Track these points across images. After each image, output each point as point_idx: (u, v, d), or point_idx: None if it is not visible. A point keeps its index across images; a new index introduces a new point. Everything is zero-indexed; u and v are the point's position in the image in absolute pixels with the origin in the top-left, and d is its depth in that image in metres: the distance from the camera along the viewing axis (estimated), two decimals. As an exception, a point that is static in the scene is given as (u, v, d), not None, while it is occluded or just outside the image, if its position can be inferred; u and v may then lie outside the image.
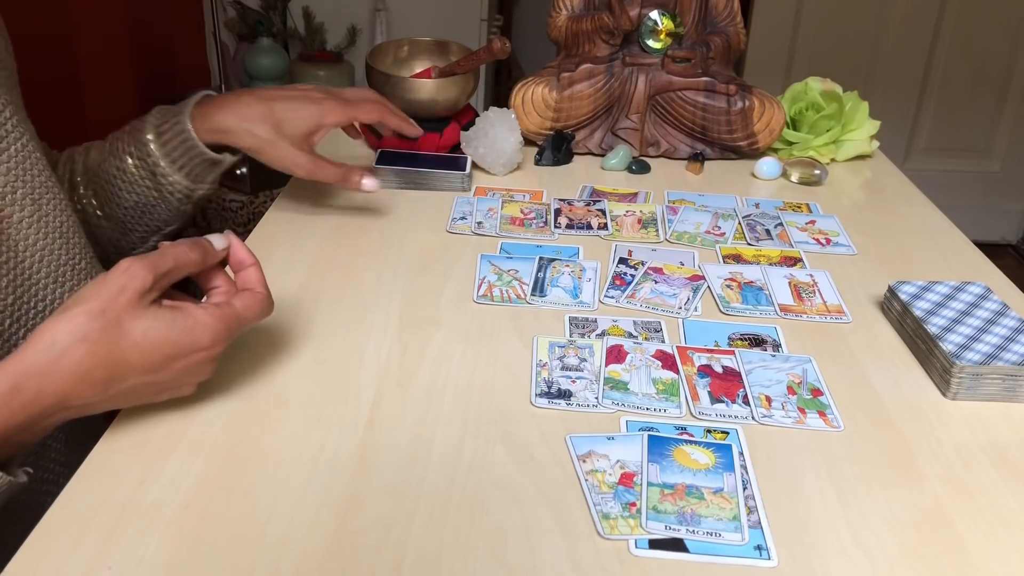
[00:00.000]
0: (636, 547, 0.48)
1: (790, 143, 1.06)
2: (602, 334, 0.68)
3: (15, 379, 0.47)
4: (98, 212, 0.78)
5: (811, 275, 0.78)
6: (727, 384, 0.62)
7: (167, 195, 0.76)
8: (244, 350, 0.65)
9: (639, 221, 0.88)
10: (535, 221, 0.87)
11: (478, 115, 1.00)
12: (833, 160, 1.06)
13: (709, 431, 0.57)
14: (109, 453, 0.54)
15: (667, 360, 0.65)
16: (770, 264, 0.80)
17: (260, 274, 0.57)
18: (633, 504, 0.51)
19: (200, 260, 0.55)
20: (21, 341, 0.60)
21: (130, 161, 0.75)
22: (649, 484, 0.52)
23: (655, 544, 0.48)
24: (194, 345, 0.52)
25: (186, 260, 0.54)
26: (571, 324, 0.69)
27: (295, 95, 0.76)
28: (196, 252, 0.54)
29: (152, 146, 0.74)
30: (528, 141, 1.02)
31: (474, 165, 0.97)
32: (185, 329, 0.51)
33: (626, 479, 0.53)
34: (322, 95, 0.77)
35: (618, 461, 0.54)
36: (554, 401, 0.60)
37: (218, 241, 0.56)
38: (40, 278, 0.62)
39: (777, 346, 0.68)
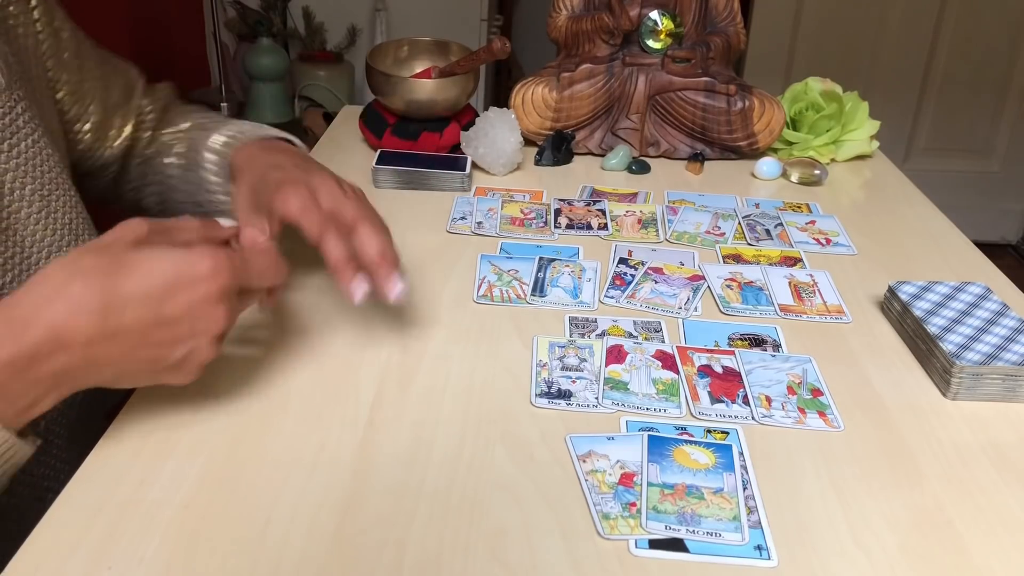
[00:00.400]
0: (636, 547, 0.48)
1: (790, 143, 1.06)
2: (602, 334, 0.68)
3: (5, 314, 0.45)
4: (177, 162, 0.77)
5: (811, 275, 0.78)
6: (727, 384, 0.62)
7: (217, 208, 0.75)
8: (244, 349, 0.65)
9: (639, 221, 0.88)
10: (535, 221, 0.87)
11: (478, 115, 1.00)
12: (833, 160, 1.06)
13: (709, 431, 0.57)
14: (109, 452, 0.54)
15: (667, 360, 0.65)
16: (770, 264, 0.80)
17: (272, 244, 0.56)
18: (633, 504, 0.51)
19: (199, 226, 0.53)
20: None
21: (192, 169, 0.74)
22: (649, 484, 0.52)
23: (655, 544, 0.48)
24: (194, 272, 0.48)
25: (186, 224, 0.53)
26: (571, 324, 0.69)
27: (302, 176, 0.63)
28: (197, 220, 0.53)
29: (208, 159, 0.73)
30: (528, 141, 1.02)
31: (474, 165, 0.97)
32: (182, 255, 0.48)
33: (626, 479, 0.53)
34: (319, 185, 0.62)
35: (618, 461, 0.54)
36: (554, 401, 0.60)
37: (224, 220, 0.56)
38: None
39: (777, 346, 0.68)
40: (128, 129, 0.78)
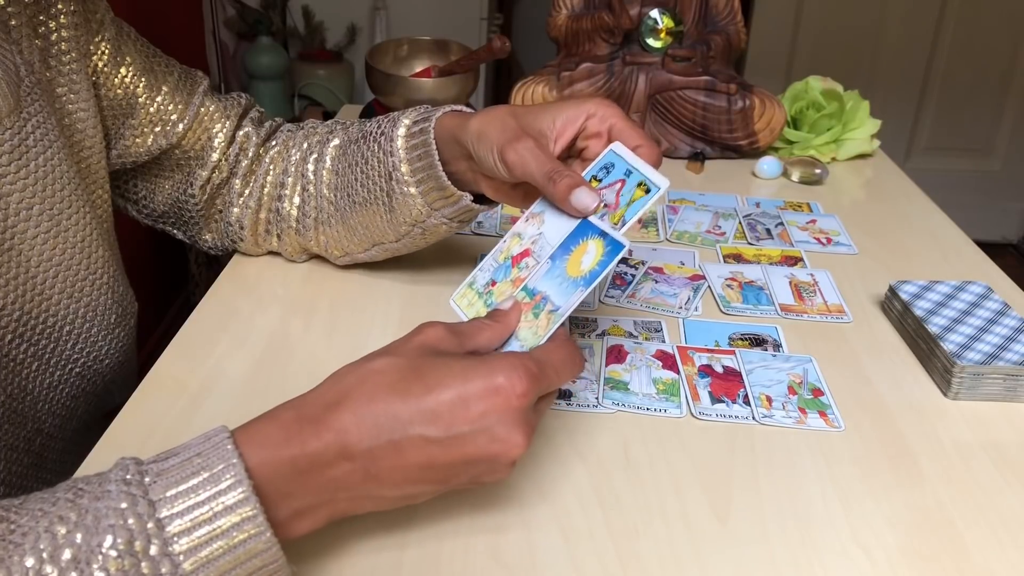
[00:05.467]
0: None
1: (791, 142, 1.06)
2: (602, 334, 0.68)
3: (300, 408, 0.43)
4: (326, 191, 0.70)
5: (812, 274, 0.78)
6: (728, 384, 0.62)
7: (396, 207, 0.65)
8: (244, 350, 0.65)
9: (639, 220, 0.88)
10: (535, 220, 0.87)
11: (478, 114, 0.99)
12: (834, 159, 1.06)
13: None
14: (108, 454, 0.54)
15: (667, 360, 0.65)
16: (771, 263, 0.80)
17: (567, 336, 0.51)
18: (494, 283, 0.54)
19: (496, 322, 0.50)
20: (26, 358, 0.59)
21: (376, 148, 0.66)
22: (523, 288, 0.53)
23: None
24: (488, 385, 0.43)
25: (482, 322, 0.50)
26: (571, 324, 0.69)
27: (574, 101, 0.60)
28: (488, 318, 0.51)
29: (399, 142, 0.64)
30: (528, 140, 1.01)
31: (474, 164, 0.97)
32: (474, 366, 0.44)
33: (521, 256, 0.54)
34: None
35: (540, 234, 0.55)
36: (554, 401, 0.60)
37: (506, 304, 0.52)
38: (53, 293, 0.61)
39: (778, 346, 0.67)
40: (229, 125, 0.73)
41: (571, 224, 0.54)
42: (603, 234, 0.52)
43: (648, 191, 0.54)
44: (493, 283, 0.55)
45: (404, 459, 0.43)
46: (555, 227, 0.55)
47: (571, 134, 0.58)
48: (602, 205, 0.54)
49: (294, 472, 0.41)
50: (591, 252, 0.52)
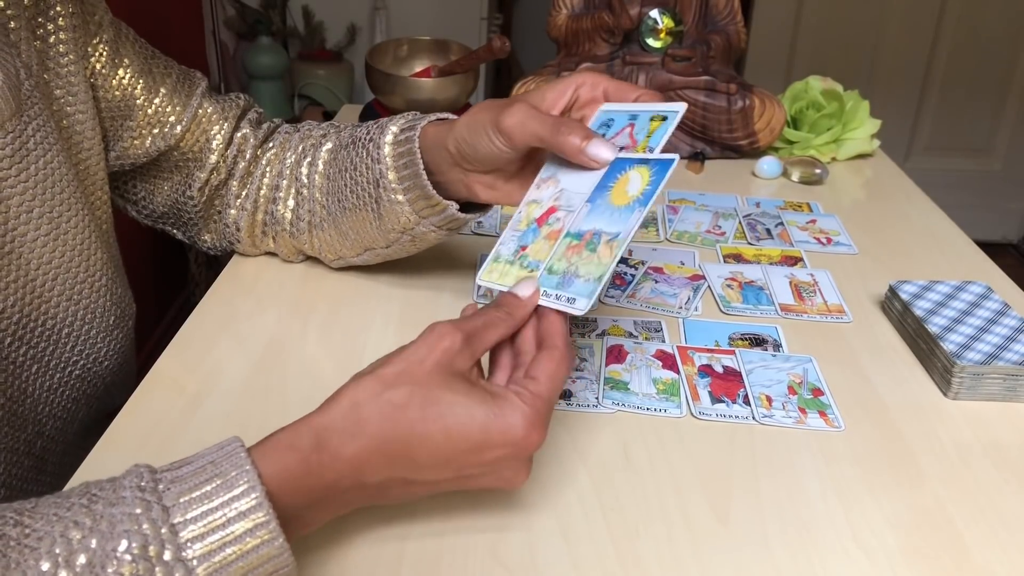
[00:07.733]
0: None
1: (791, 142, 1.06)
2: (602, 334, 0.68)
3: (319, 436, 0.43)
4: (318, 195, 0.70)
5: (812, 274, 0.78)
6: (727, 384, 0.62)
7: (384, 213, 0.65)
8: (243, 351, 0.64)
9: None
10: (535, 220, 0.87)
11: (478, 114, 0.99)
12: (834, 159, 1.06)
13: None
14: (108, 455, 0.54)
15: (667, 360, 0.65)
16: (771, 263, 0.80)
17: (562, 325, 0.50)
18: (524, 248, 0.53)
19: (509, 315, 0.50)
20: (25, 361, 0.59)
21: (364, 155, 0.65)
22: (565, 234, 0.52)
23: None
24: (507, 437, 0.44)
25: (495, 317, 0.49)
26: (571, 324, 0.69)
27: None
28: (502, 310, 0.50)
29: (386, 150, 0.63)
30: (528, 140, 1.01)
31: (474, 164, 0.97)
32: (494, 416, 0.44)
33: (548, 214, 0.54)
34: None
35: (561, 190, 0.54)
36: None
37: (525, 289, 0.51)
38: (52, 296, 0.61)
39: (778, 346, 0.67)
40: (227, 126, 0.73)
41: (597, 171, 0.53)
42: (642, 161, 0.50)
43: (665, 119, 0.52)
44: (524, 247, 0.54)
45: (412, 491, 0.46)
46: (578, 179, 0.53)
47: (562, 105, 0.58)
48: (619, 150, 0.53)
49: (310, 500, 0.43)
50: (635, 180, 0.51)
